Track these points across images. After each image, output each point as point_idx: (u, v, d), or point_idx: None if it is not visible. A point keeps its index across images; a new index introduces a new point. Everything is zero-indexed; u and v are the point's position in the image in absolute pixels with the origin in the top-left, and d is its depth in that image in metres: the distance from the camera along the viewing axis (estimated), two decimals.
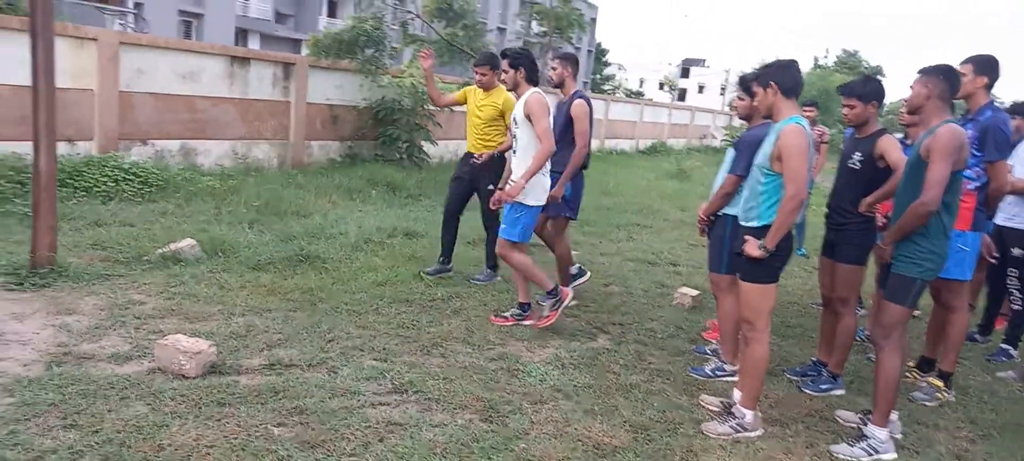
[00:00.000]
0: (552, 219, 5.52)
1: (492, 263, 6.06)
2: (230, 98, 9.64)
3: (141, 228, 6.30)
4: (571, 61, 5.39)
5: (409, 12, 9.70)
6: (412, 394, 3.65)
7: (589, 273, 6.16)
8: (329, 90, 11.06)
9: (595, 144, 20.23)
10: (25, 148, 7.05)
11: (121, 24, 18.14)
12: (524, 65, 4.84)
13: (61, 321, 4.15)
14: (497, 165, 5.74)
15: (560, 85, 5.41)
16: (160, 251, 5.55)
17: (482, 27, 10.51)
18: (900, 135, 5.03)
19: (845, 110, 4.19)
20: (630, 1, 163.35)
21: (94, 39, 7.98)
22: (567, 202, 5.41)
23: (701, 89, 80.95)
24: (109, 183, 7.30)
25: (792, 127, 3.39)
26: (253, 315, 4.56)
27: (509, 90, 5.12)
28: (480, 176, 5.79)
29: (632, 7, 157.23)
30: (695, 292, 6.04)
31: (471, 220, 6.46)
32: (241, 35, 37.77)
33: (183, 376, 3.52)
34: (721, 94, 76.56)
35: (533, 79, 4.87)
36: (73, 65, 7.71)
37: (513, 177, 4.85)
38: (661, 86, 78.72)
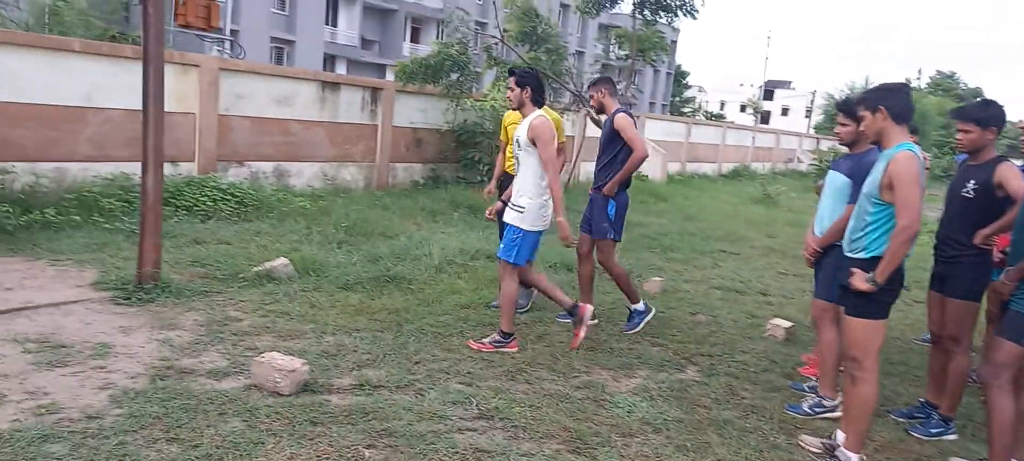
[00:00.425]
0: (597, 242, 5.37)
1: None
2: (321, 122, 9.97)
3: (237, 246, 6.54)
4: (604, 83, 5.32)
5: (493, 37, 9.80)
6: (498, 421, 3.61)
7: (654, 310, 5.63)
8: (414, 114, 11.29)
9: (675, 167, 19.90)
10: (132, 168, 7.50)
11: (219, 50, 19.08)
12: (531, 84, 4.68)
13: (164, 336, 4.33)
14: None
15: (601, 110, 5.33)
16: (255, 269, 5.75)
17: (565, 50, 10.52)
18: (1021, 162, 4.70)
19: (960, 135, 3.94)
20: (711, 23, 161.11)
21: (197, 65, 8.41)
22: (611, 223, 5.27)
23: (785, 112, 78.75)
24: (208, 203, 7.64)
25: (904, 154, 3.20)
26: (343, 334, 4.64)
27: (514, 109, 4.94)
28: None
29: (713, 29, 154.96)
30: (788, 324, 5.78)
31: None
32: (329, 61, 39.21)
33: (278, 393, 3.59)
34: (806, 117, 74.28)
35: (539, 100, 4.71)
36: (177, 90, 8.14)
37: (515, 201, 4.68)
38: (743, 108, 77.04)
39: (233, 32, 20.96)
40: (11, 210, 6.26)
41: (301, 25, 36.42)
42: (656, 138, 18.77)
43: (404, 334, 4.77)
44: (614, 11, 10.94)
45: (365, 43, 41.98)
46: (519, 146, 4.64)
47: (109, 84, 7.55)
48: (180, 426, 3.18)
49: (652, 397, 4.15)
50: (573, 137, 12.92)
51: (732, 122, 31.26)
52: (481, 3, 44.10)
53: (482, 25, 25.21)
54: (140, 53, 7.53)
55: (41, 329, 4.24)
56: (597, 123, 10.32)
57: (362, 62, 41.09)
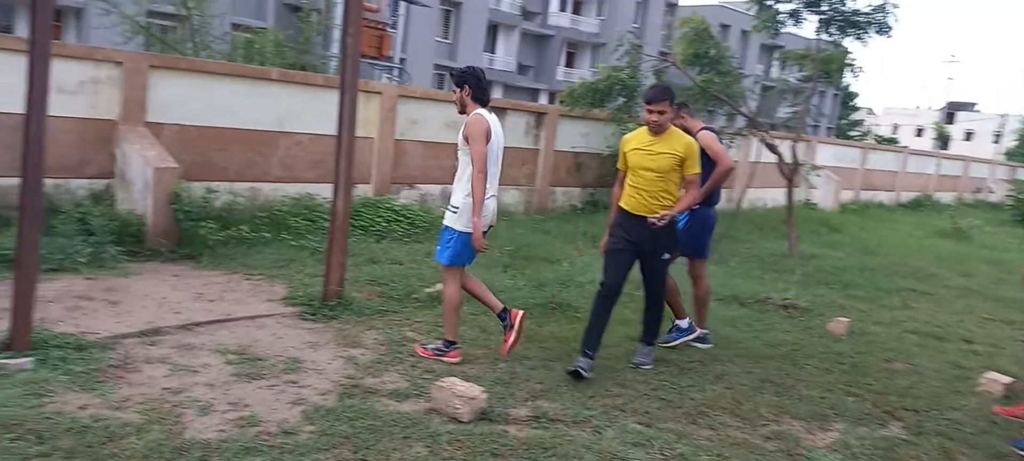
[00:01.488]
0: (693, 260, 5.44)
1: (651, 337, 4.97)
2: None
3: (409, 266, 6.75)
4: (680, 107, 5.30)
5: (664, 60, 9.56)
6: None
7: (712, 345, 5.39)
8: (575, 138, 11.26)
9: (848, 195, 18.49)
10: (316, 189, 7.99)
11: (388, 78, 20.13)
12: (469, 83, 4.46)
13: (348, 353, 4.48)
14: (674, 229, 4.76)
15: (687, 131, 4.97)
16: (427, 291, 5.87)
17: (739, 73, 10.07)
18: None
19: None
20: (886, 43, 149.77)
21: (379, 93, 8.86)
22: (706, 242, 5.42)
23: (969, 136, 71.58)
24: (382, 223, 7.97)
25: None
26: (514, 362, 4.59)
27: (459, 112, 4.63)
28: (657, 242, 4.64)
29: (887, 49, 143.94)
30: (1007, 380, 5.07)
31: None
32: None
33: (457, 420, 3.58)
34: (994, 142, 67.06)
35: (481, 98, 4.47)
36: (360, 116, 8.50)
37: (451, 201, 4.54)
38: (919, 132, 70.87)
39: (401, 60, 22.12)
40: (213, 226, 6.84)
41: (462, 52, 37.89)
42: (827, 163, 17.56)
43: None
44: (792, 30, 10.32)
45: (521, 68, 42.94)
46: (459, 145, 4.48)
47: (300, 110, 8.11)
48: (368, 448, 3.23)
49: (854, 455, 3.74)
50: (738, 161, 12.34)
51: (905, 147, 28.67)
52: (638, 26, 43.78)
53: (639, 47, 24.94)
54: (330, 81, 8.05)
55: (240, 341, 4.53)
56: (772, 149, 9.75)
57: (517, 87, 42.05)
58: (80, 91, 6.72)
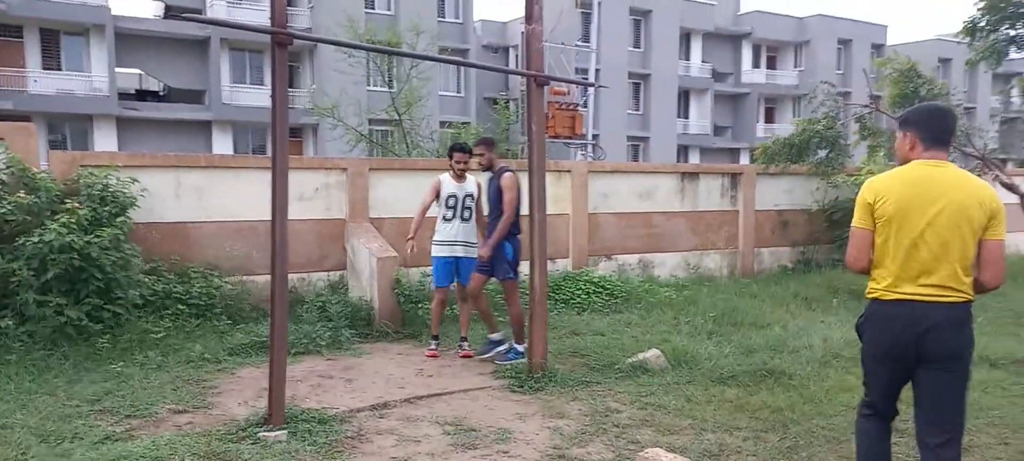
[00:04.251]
0: (504, 282, 6.17)
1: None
2: (681, 212, 10.09)
3: (610, 337, 6.80)
4: (487, 144, 6.34)
5: (866, 106, 8.96)
6: None
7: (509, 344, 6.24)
8: (778, 196, 10.80)
9: None
10: (520, 268, 8.37)
11: (582, 155, 20.74)
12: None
13: (554, 424, 4.61)
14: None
15: (490, 167, 6.14)
16: (629, 360, 5.88)
17: (959, 109, 9.13)
18: None
19: None
20: None
21: (568, 171, 9.21)
22: (510, 264, 6.08)
23: None
24: (582, 295, 8.15)
25: None
26: (723, 432, 4.44)
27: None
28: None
29: None
30: None
31: None
32: (682, 151, 40.03)
33: None
34: None
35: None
36: (553, 194, 8.96)
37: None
38: None
39: (594, 136, 22.71)
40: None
41: (654, 122, 38.00)
42: None
43: (790, 436, 4.38)
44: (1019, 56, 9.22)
45: (717, 130, 42.03)
46: (480, 195, 6.36)
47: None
48: None
49: None
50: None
51: None
52: (841, 72, 41.24)
53: (844, 95, 23.43)
54: (522, 165, 8.51)
55: (456, 413, 4.85)
56: (1011, 188, 8.64)
57: (714, 149, 41.10)
58: (316, 196, 7.74)
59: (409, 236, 6.35)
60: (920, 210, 2.94)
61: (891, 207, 2.98)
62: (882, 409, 3.21)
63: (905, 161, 3.11)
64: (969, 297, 3.00)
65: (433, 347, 6.38)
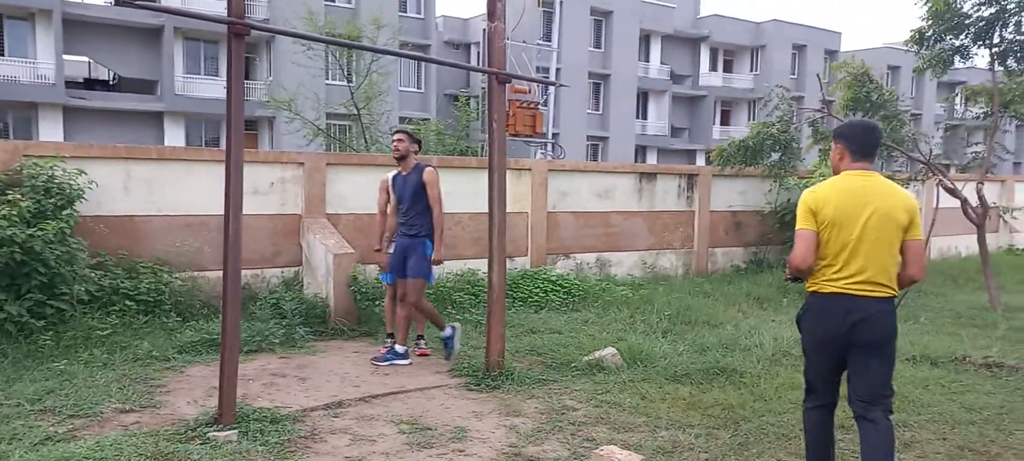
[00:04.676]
0: (410, 282, 5.90)
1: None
2: (639, 212, 10.20)
3: (567, 335, 6.84)
4: (409, 136, 6.05)
5: (819, 110, 9.18)
6: None
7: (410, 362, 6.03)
8: (732, 197, 11.00)
9: None
10: (476, 265, 8.37)
11: (542, 153, 20.80)
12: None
13: (510, 422, 4.62)
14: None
15: (404, 157, 5.92)
16: (585, 359, 5.92)
17: (905, 116, 9.42)
18: None
19: None
20: None
21: (528, 169, 9.24)
22: (428, 265, 5.97)
23: None
24: (540, 294, 8.18)
25: None
26: (676, 430, 4.50)
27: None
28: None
29: None
30: None
31: None
32: (640, 151, 40.48)
33: None
34: None
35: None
36: (513, 192, 8.96)
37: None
38: None
39: (554, 135, 22.81)
40: (373, 303, 7.37)
41: (613, 122, 38.33)
42: None
43: (742, 433, 4.47)
44: (966, 65, 9.55)
45: (674, 131, 42.61)
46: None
47: (458, 191, 8.60)
48: None
49: None
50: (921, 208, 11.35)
51: None
52: (795, 77, 42.16)
53: (798, 99, 24.00)
54: (483, 163, 8.51)
55: (412, 411, 4.82)
56: (952, 192, 8.96)
57: (672, 150, 41.65)
58: (271, 191, 7.60)
59: (376, 248, 6.32)
60: (854, 216, 3.30)
61: (830, 212, 3.33)
62: (823, 395, 3.52)
63: (837, 170, 3.49)
64: (894, 292, 3.36)
65: (421, 345, 6.37)
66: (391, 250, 6.14)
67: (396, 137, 6.03)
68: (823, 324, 3.38)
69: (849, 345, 3.32)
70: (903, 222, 3.29)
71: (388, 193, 6.21)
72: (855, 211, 3.28)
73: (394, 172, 6.12)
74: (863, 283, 3.27)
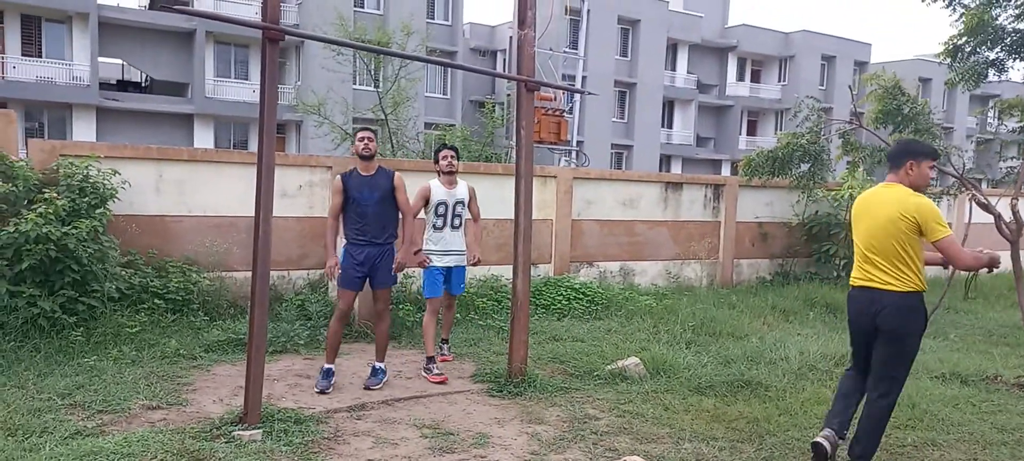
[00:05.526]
0: (382, 292, 5.52)
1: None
2: (664, 221, 10.14)
3: (590, 344, 6.81)
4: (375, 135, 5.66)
5: (849, 122, 9.06)
6: None
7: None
8: (758, 208, 10.89)
9: None
10: (499, 271, 8.37)
11: (566, 161, 20.78)
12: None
13: (532, 429, 4.61)
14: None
15: (370, 157, 5.39)
16: (608, 368, 5.90)
17: (937, 129, 9.27)
18: None
19: None
20: None
21: (554, 176, 9.22)
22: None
23: None
24: (563, 302, 8.16)
25: None
26: (700, 442, 4.46)
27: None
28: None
29: None
30: None
31: None
32: (665, 160, 40.25)
33: None
34: None
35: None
36: (538, 199, 8.96)
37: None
38: None
39: (578, 143, 22.80)
40: (410, 309, 7.40)
41: (638, 130, 38.18)
42: None
43: (766, 447, 4.42)
44: (1000, 79, 9.39)
45: (700, 140, 42.32)
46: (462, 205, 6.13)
47: (484, 197, 8.53)
48: None
49: None
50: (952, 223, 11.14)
51: None
52: (824, 88, 41.71)
53: (827, 110, 23.73)
54: (508, 170, 8.52)
55: (434, 416, 4.83)
56: (985, 207, 8.77)
57: (697, 159, 41.39)
58: (299, 194, 7.68)
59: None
60: (861, 220, 4.03)
61: (851, 217, 4.16)
62: (859, 365, 4.19)
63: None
64: (913, 287, 3.87)
65: (437, 372, 5.69)
66: (342, 259, 5.42)
67: (365, 135, 5.41)
68: (853, 311, 4.11)
69: (875, 330, 3.95)
70: (905, 225, 3.79)
71: (426, 201, 5.90)
72: (862, 216, 4.01)
73: (344, 173, 5.44)
74: (880, 279, 3.91)
